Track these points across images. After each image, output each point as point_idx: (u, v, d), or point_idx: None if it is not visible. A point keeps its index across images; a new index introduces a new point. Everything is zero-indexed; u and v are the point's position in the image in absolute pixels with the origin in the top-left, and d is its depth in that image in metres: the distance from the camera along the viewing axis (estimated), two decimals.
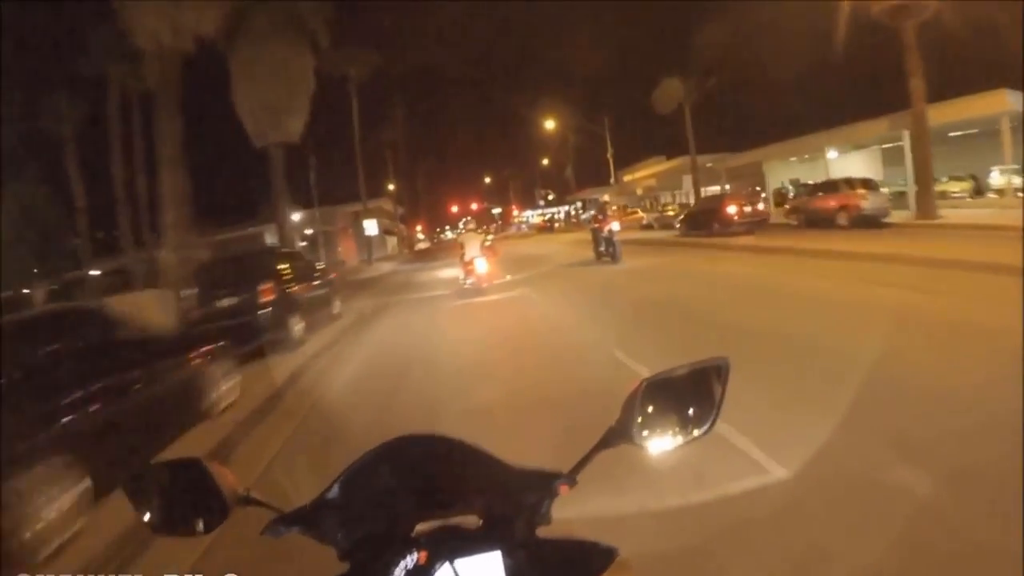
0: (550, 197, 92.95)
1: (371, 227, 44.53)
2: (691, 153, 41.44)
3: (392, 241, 67.45)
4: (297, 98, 25.70)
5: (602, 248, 22.29)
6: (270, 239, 39.14)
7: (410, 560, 1.12)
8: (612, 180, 59.60)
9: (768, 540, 3.55)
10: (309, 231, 47.48)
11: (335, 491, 1.30)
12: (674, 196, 52.34)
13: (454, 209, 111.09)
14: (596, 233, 22.96)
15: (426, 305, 18.51)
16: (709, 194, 39.20)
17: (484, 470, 1.31)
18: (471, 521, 1.30)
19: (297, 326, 13.14)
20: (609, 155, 56.46)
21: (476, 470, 1.31)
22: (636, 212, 48.78)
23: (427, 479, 1.33)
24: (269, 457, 6.65)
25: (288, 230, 27.32)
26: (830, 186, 25.83)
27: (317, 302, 15.00)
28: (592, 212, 28.93)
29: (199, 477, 1.28)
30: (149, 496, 1.35)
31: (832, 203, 24.60)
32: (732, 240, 24.25)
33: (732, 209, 27.02)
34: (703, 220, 28.42)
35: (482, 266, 19.44)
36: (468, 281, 19.80)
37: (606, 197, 58.64)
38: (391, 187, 69.28)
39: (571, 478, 1.27)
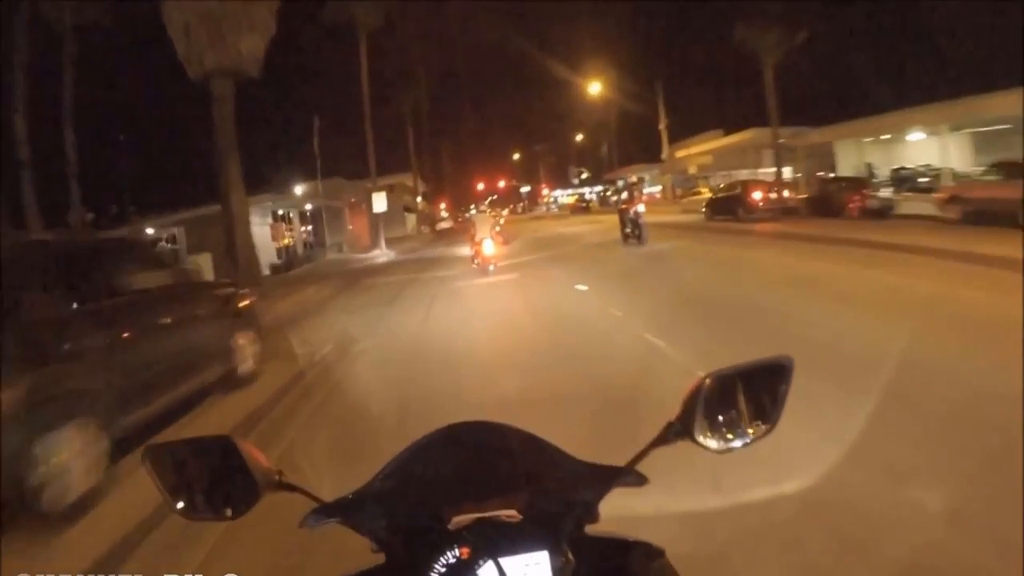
0: (584, 176, 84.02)
1: (380, 202, 36.62)
2: (772, 124, 33.24)
3: (412, 219, 60.06)
4: (253, 11, 17.31)
5: (628, 229, 21.85)
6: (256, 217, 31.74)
7: (451, 555, 1.11)
8: (664, 156, 51.30)
9: None
10: (309, 206, 39.32)
11: (380, 480, 1.24)
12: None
13: (480, 187, 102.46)
14: (623, 214, 22.47)
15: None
16: (738, 179, 33.85)
17: (540, 460, 1.26)
18: (510, 515, 1.21)
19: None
20: (662, 126, 48.26)
21: (532, 460, 1.26)
22: (700, 191, 39.47)
23: (475, 469, 1.26)
24: None
25: (239, 207, 18.52)
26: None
27: (172, 353, 6.80)
28: (623, 193, 25.78)
29: (229, 457, 1.18)
30: (174, 474, 1.22)
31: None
32: (755, 226, 24.10)
33: (757, 195, 26.74)
34: (728, 205, 27.89)
35: (489, 248, 19.81)
36: (476, 262, 20.40)
37: (634, 177, 51.30)
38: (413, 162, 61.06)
39: (639, 477, 1.23)
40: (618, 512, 1.33)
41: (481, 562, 1.11)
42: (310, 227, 42.17)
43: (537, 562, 1.14)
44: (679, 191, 49.95)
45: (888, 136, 32.22)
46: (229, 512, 1.20)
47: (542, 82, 70.71)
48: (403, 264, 27.28)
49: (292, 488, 1.22)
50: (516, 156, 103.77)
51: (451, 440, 1.26)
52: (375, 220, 37.87)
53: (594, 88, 54.22)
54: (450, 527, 1.18)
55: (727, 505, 3.73)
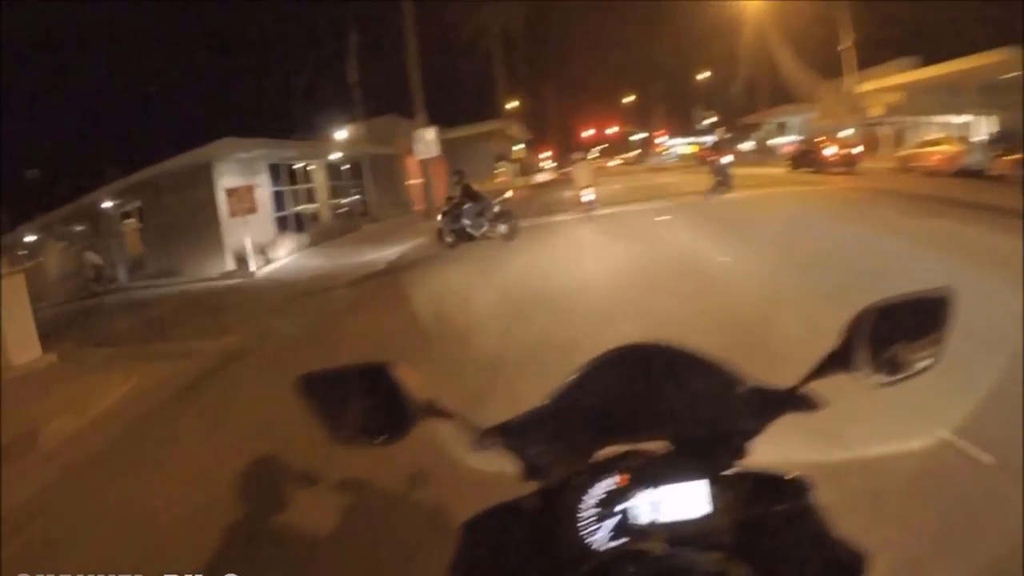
0: (708, 121, 67.98)
1: (426, 143, 24.90)
2: None
3: (510, 168, 50.01)
4: None
5: (718, 179, 21.62)
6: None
7: (610, 482, 1.11)
8: (841, 89, 35.29)
9: None
10: (336, 155, 27.04)
11: (543, 407, 1.23)
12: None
13: (588, 133, 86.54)
14: (712, 164, 22.47)
15: None
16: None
17: (706, 385, 1.22)
18: (660, 447, 1.21)
19: None
20: (844, 46, 32.97)
21: (696, 386, 1.22)
22: (942, 143, 23.22)
23: (633, 398, 1.24)
24: None
25: None
26: None
27: None
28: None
29: (384, 383, 1.19)
30: (329, 402, 1.24)
31: None
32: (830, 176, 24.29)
33: (830, 150, 26.78)
34: (807, 158, 28.28)
35: (589, 195, 20.06)
36: (580, 210, 20.46)
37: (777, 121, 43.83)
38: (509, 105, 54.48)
39: (811, 401, 1.18)
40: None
41: (638, 490, 1.09)
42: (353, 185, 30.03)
43: (695, 492, 1.10)
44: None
45: None
46: (384, 438, 1.20)
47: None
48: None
49: (446, 414, 1.22)
50: (630, 98, 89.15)
51: (615, 365, 1.22)
52: (424, 171, 25.69)
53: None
54: (604, 456, 1.18)
55: (851, 458, 3.57)
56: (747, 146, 48.81)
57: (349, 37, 26.94)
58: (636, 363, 1.24)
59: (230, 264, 18.94)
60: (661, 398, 1.22)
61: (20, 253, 25.12)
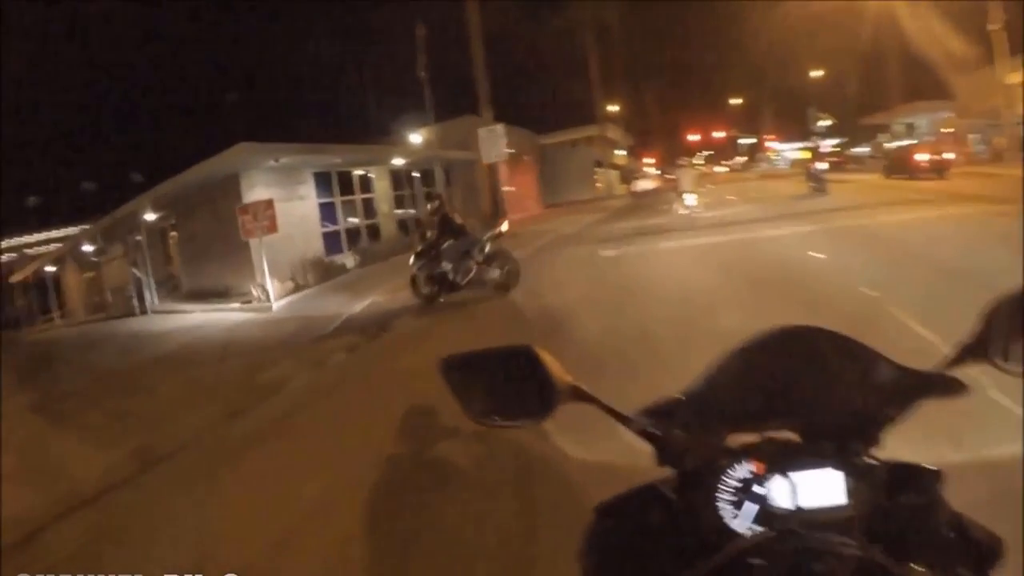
0: (823, 123, 61.66)
1: (491, 144, 20.74)
2: None
3: (610, 176, 48.65)
4: None
5: (813, 184, 23.06)
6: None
7: (747, 468, 1.10)
8: (992, 75, 28.72)
9: None
10: (399, 162, 24.02)
11: (685, 392, 1.21)
12: None
13: (693, 138, 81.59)
14: (808, 170, 24.59)
15: None
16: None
17: (847, 371, 1.17)
18: (790, 436, 1.19)
19: None
20: (999, 25, 26.93)
21: (836, 371, 1.17)
22: None
23: (767, 386, 1.19)
24: None
25: None
26: None
27: None
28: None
29: (527, 366, 1.16)
30: (471, 384, 1.22)
31: None
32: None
33: (921, 156, 26.35)
34: (899, 165, 27.72)
35: (691, 200, 20.70)
36: (680, 212, 20.95)
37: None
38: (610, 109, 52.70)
39: (957, 384, 1.12)
40: None
41: (774, 477, 1.08)
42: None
43: (831, 480, 1.08)
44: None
45: None
46: (525, 421, 1.18)
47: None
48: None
49: (589, 399, 1.17)
50: (738, 100, 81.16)
51: (758, 349, 1.18)
52: (491, 178, 22.04)
53: None
54: (736, 443, 1.17)
55: (967, 460, 3.30)
56: (860, 151, 43.66)
57: (417, 29, 23.85)
58: (781, 347, 1.19)
59: (256, 289, 15.92)
60: (801, 383, 1.18)
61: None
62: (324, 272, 17.99)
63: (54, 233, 37.14)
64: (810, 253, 10.86)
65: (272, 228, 14.39)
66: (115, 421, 7.71)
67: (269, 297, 14.91)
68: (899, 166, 27.50)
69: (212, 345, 11.90)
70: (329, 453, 5.44)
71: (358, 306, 12.76)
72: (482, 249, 11.48)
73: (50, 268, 29.00)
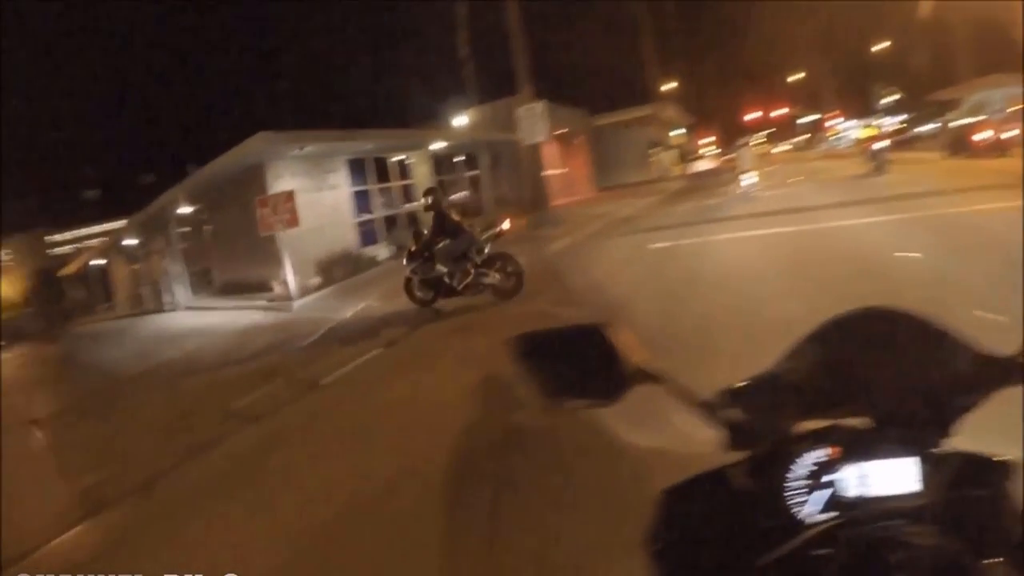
0: (889, 99, 58.34)
1: (530, 124, 19.28)
2: None
3: (667, 156, 45.15)
4: None
5: (873, 163, 21.72)
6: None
7: (820, 454, 1.07)
8: None
9: None
10: (438, 145, 22.96)
11: (759, 376, 1.19)
12: None
13: (752, 116, 78.46)
14: (867, 149, 22.76)
15: None
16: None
17: (924, 355, 1.13)
18: (860, 422, 1.13)
19: None
20: None
21: (923, 352, 1.13)
22: None
23: (840, 372, 1.16)
24: None
25: None
26: None
27: None
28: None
29: (599, 345, 1.16)
30: (541, 363, 1.22)
31: None
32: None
33: (981, 135, 24.46)
34: (961, 143, 25.85)
35: (751, 181, 20.54)
36: (739, 196, 20.36)
37: None
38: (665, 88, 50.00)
39: None
40: None
41: (847, 464, 1.04)
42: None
43: (904, 469, 1.04)
44: None
45: None
46: (597, 401, 1.16)
47: None
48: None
49: (662, 380, 1.15)
50: (799, 76, 77.76)
51: (830, 335, 1.16)
52: (530, 162, 20.38)
53: None
54: (805, 429, 1.13)
55: None
56: (926, 129, 40.90)
57: (459, 7, 22.69)
58: (856, 329, 1.16)
59: (279, 286, 14.98)
60: (876, 367, 1.13)
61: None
62: (353, 266, 16.99)
63: (105, 226, 37.50)
64: (898, 253, 8.46)
65: (293, 222, 13.38)
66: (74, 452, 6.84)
67: (291, 295, 13.97)
68: (961, 144, 26.01)
69: (214, 353, 11.08)
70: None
71: (371, 308, 11.79)
72: (480, 250, 10.12)
73: (98, 261, 28.87)
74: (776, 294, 7.43)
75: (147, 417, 7.83)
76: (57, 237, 52.06)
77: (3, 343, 27.71)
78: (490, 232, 10.33)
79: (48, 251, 48.88)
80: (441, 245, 10.18)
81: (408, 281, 10.61)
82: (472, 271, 10.01)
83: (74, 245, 45.74)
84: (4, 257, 48.72)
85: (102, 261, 28.74)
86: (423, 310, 10.43)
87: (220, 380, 8.74)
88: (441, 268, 10.13)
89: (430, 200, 10.64)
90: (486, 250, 10.11)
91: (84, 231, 47.65)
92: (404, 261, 10.62)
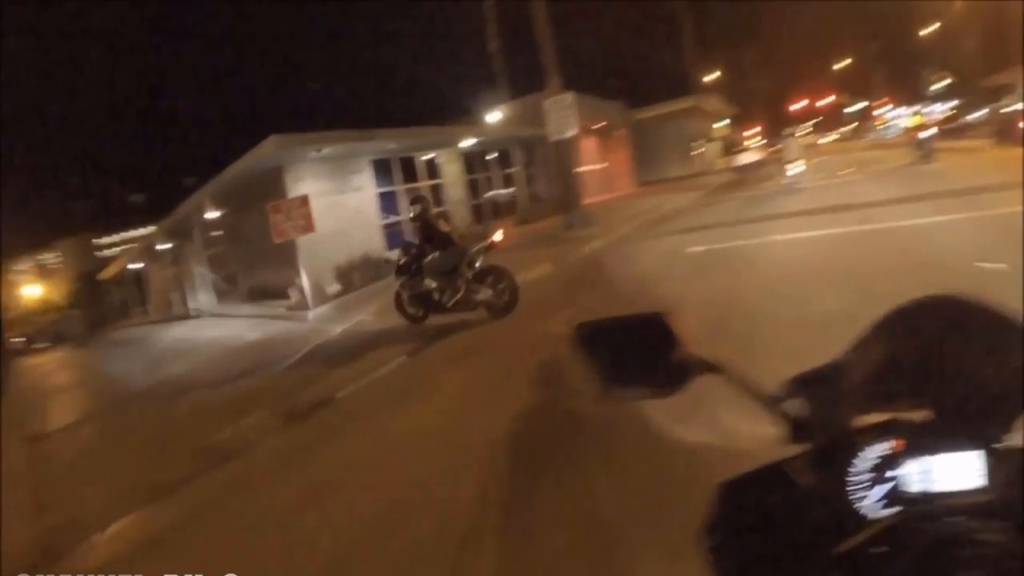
0: (940, 84, 55.78)
1: (559, 117, 18.18)
2: None
3: (710, 149, 44.30)
4: None
5: (919, 153, 21.43)
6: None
7: (883, 448, 1.03)
8: None
9: None
10: (468, 142, 22.38)
11: (820, 369, 1.15)
12: None
13: (797, 106, 76.81)
14: (914, 138, 22.27)
15: None
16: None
17: (1003, 341, 1.06)
18: (921, 416, 1.08)
19: None
20: None
21: (991, 343, 1.07)
22: None
23: (903, 363, 1.10)
24: None
25: None
26: None
27: None
28: None
29: (661, 335, 1.16)
30: (602, 352, 1.20)
31: None
32: None
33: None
34: (1009, 131, 25.00)
35: (798, 173, 20.10)
36: (784, 182, 20.54)
37: None
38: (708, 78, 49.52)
39: None
40: None
41: (909, 458, 1.02)
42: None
43: (969, 463, 1.01)
44: None
45: None
46: (656, 391, 1.15)
47: None
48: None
49: (723, 371, 1.13)
50: (845, 63, 75.77)
51: (895, 324, 1.11)
52: (562, 157, 19.40)
53: None
54: (865, 422, 1.09)
55: None
56: (978, 115, 38.82)
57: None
58: (922, 319, 1.11)
59: (295, 294, 14.43)
60: (941, 358, 1.07)
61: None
62: (375, 271, 16.34)
63: (147, 230, 37.83)
64: (980, 264, 6.67)
65: (308, 227, 12.78)
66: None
67: (307, 303, 13.38)
68: (1009, 132, 25.20)
69: (216, 370, 10.54)
70: None
71: (364, 323, 11.25)
72: (471, 264, 9.30)
73: (135, 265, 28.88)
74: (838, 318, 5.15)
75: (124, 447, 7.38)
76: (104, 240, 52.90)
77: (43, 346, 27.86)
78: (480, 245, 9.48)
79: (95, 254, 49.71)
80: (429, 258, 9.45)
81: (398, 296, 9.91)
82: (463, 286, 9.23)
83: (118, 248, 46.29)
84: (52, 260, 49.45)
85: (139, 265, 28.73)
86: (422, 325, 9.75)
87: (208, 405, 8.16)
88: (430, 283, 9.41)
89: (417, 210, 9.86)
90: (477, 264, 9.33)
91: (129, 234, 48.18)
92: (394, 276, 9.94)
